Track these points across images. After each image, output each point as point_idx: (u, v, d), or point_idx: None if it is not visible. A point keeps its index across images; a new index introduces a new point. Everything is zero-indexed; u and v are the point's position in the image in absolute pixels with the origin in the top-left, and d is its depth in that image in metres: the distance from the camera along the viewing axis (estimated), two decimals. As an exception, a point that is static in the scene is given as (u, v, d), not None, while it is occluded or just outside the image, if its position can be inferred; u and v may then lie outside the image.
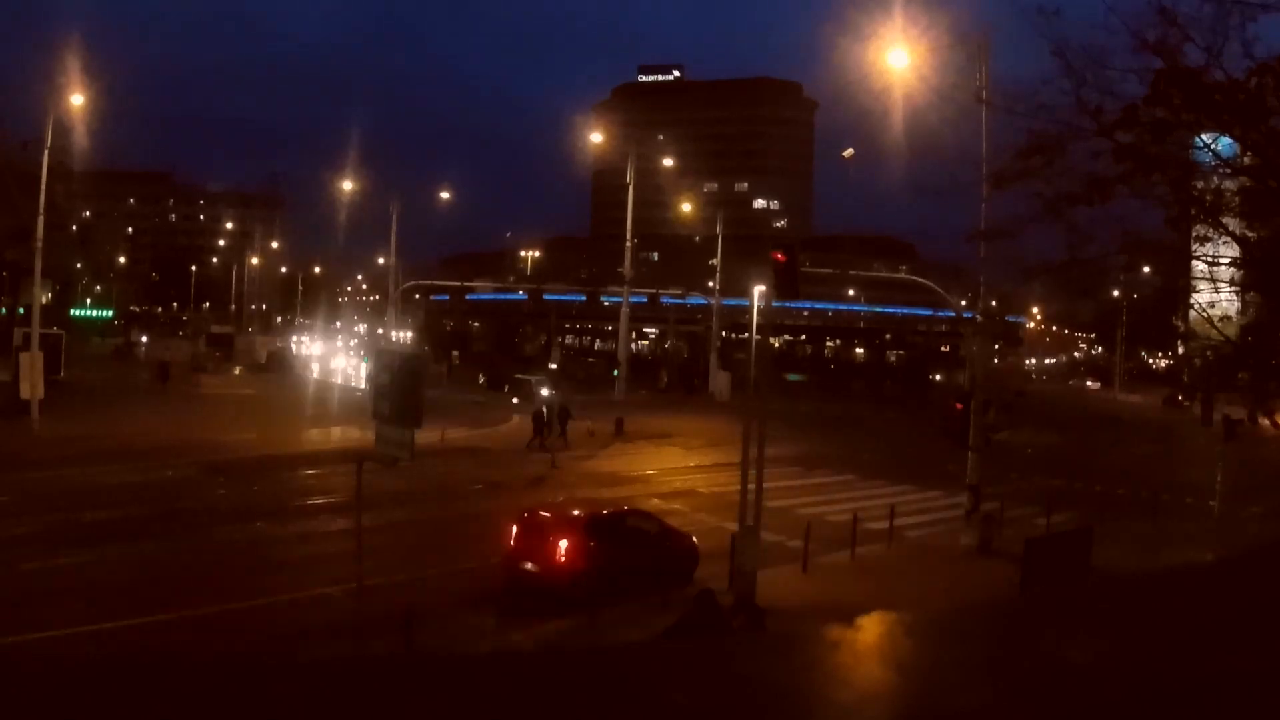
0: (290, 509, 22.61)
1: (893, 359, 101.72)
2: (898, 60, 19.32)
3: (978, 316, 24.40)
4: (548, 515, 17.77)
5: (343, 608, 15.19)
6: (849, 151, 43.80)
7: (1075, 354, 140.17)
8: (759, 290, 18.05)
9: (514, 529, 17.55)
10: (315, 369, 64.96)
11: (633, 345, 76.01)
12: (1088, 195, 12.70)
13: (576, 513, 18.14)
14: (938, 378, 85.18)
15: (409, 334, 73.02)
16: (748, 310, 18.67)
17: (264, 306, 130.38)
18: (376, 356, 23.31)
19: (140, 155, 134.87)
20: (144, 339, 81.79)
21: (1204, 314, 16.37)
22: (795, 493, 26.73)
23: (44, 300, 43.76)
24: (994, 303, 25.40)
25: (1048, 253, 15.12)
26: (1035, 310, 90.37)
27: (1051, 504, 24.32)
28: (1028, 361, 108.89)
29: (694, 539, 19.11)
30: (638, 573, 16.59)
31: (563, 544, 16.52)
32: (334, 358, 68.64)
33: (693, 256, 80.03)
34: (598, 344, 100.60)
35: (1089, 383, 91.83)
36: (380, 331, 79.55)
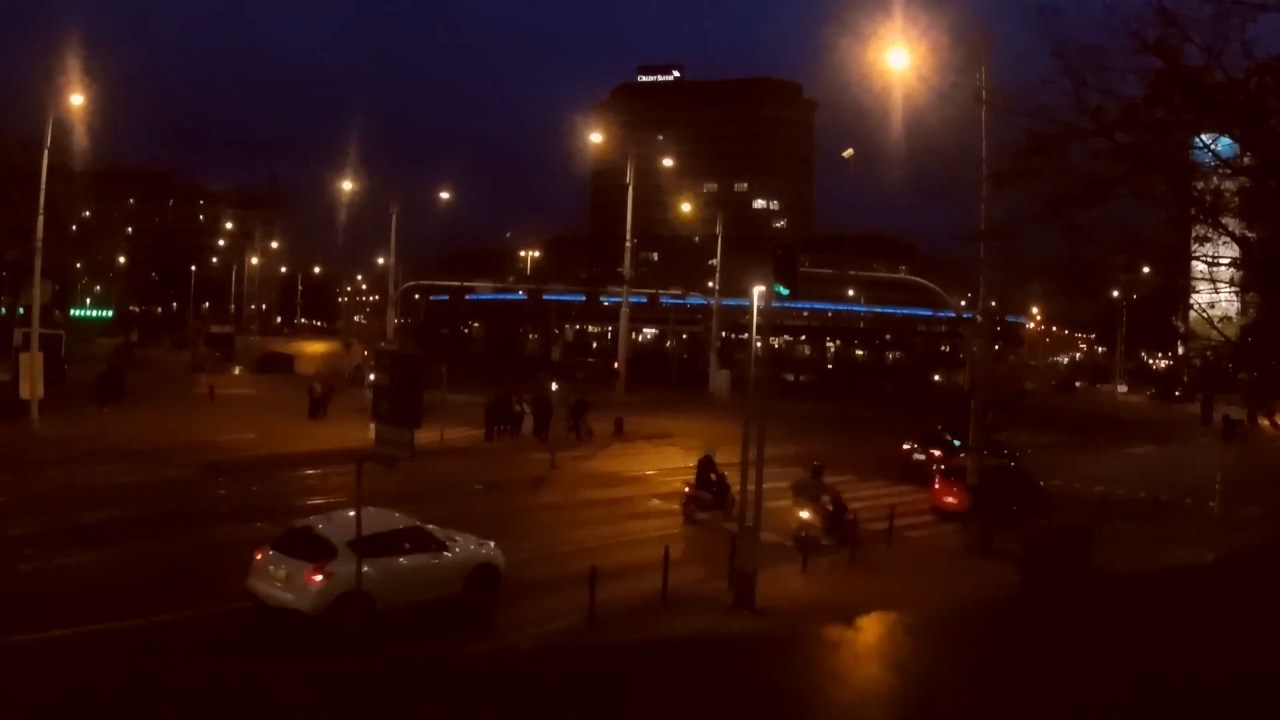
0: (290, 509, 22.60)
1: (892, 359, 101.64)
2: (898, 60, 19.34)
3: (978, 317, 24.41)
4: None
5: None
6: (849, 152, 43.91)
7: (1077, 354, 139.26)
8: (759, 290, 18.02)
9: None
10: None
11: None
12: (1088, 195, 12.72)
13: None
14: (938, 378, 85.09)
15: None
16: (747, 310, 18.61)
17: (264, 306, 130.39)
18: (376, 358, 23.26)
19: (140, 157, 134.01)
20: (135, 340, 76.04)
21: (1204, 314, 16.40)
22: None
23: (44, 300, 43.70)
24: (994, 303, 25.41)
25: (1048, 253, 15.17)
26: (1035, 310, 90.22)
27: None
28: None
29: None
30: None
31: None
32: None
33: (693, 256, 80.00)
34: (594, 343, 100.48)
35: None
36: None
